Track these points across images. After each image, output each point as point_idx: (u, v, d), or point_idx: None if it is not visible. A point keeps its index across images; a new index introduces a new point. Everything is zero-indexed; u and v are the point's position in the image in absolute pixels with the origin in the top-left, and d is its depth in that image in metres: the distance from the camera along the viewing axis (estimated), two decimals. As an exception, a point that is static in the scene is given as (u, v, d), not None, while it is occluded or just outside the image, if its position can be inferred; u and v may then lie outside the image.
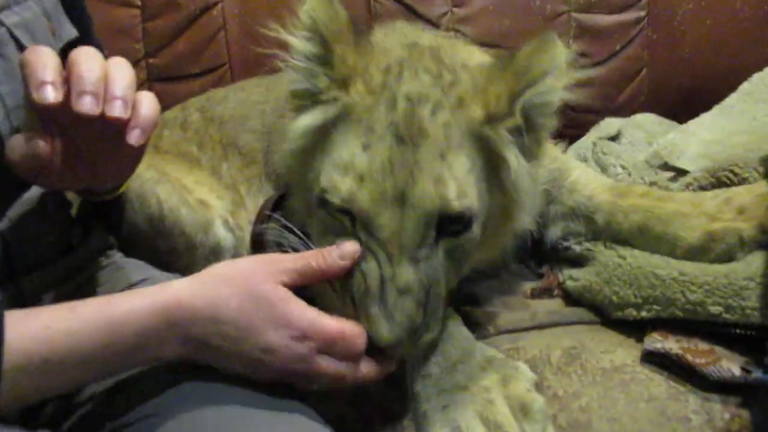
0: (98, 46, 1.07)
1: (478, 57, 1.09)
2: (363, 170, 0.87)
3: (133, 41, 1.69)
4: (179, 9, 1.68)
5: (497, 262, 1.21)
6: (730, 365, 0.96)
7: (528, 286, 1.26)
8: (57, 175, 0.81)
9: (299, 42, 0.93)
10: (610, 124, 1.58)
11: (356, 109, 0.91)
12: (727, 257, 1.06)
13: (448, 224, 0.89)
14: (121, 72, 0.78)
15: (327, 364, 0.81)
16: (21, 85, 0.82)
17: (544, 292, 1.24)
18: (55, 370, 0.72)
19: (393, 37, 1.08)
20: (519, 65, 0.90)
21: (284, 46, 0.95)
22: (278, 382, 0.82)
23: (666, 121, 1.68)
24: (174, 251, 1.25)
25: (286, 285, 0.81)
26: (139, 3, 1.68)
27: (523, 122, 0.92)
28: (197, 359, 0.80)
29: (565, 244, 1.26)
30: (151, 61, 1.71)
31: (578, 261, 1.23)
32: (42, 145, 0.77)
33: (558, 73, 0.92)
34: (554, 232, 1.27)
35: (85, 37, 1.05)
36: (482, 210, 0.93)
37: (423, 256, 0.87)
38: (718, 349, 1.00)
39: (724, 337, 1.01)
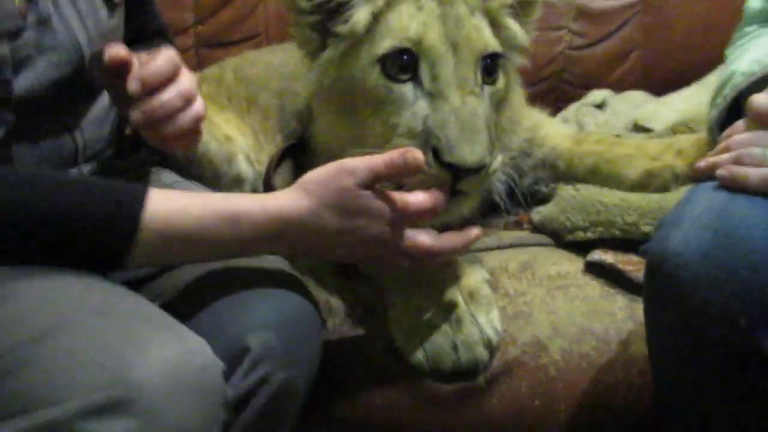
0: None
1: None
2: (424, 20, 1.05)
3: (183, 10, 1.96)
4: (225, -16, 1.94)
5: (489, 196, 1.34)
6: (654, 273, 1.14)
7: (503, 221, 1.46)
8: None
9: None
10: (595, 94, 1.76)
11: None
12: (664, 190, 1.24)
13: (488, 67, 1.07)
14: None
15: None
16: (101, 18, 1.08)
17: (515, 225, 1.43)
18: (186, 246, 0.91)
19: None
20: None
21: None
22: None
23: (653, 98, 1.85)
24: (202, 177, 1.46)
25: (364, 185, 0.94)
26: (192, -22, 1.95)
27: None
28: (302, 255, 1.00)
29: (535, 187, 1.45)
30: (198, 28, 1.98)
31: (545, 200, 1.41)
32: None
33: None
34: (526, 181, 1.46)
35: None
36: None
37: (478, 94, 1.04)
38: (648, 261, 1.17)
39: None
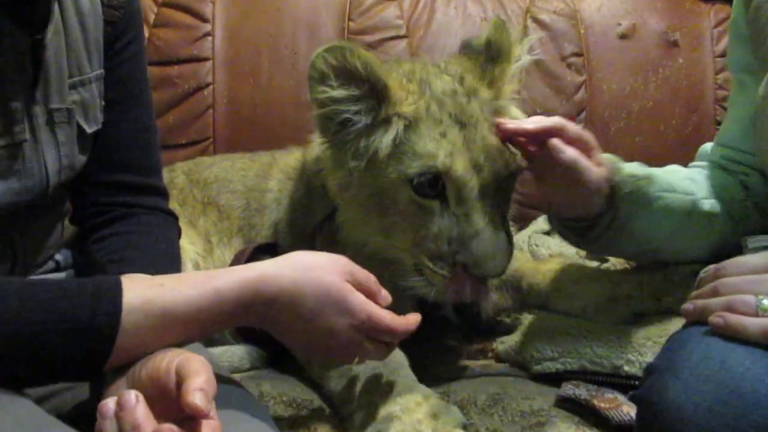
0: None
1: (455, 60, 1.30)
2: (450, 149, 1.12)
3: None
4: (175, 86, 1.88)
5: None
6: (629, 411, 1.10)
7: (466, 349, 1.40)
8: None
9: (344, 91, 1.12)
10: (544, 220, 1.78)
11: (419, 114, 1.15)
12: (628, 319, 1.23)
13: (506, 181, 1.17)
14: None
15: (373, 347, 0.96)
16: (75, 151, 1.03)
17: (480, 353, 1.38)
18: (169, 322, 0.82)
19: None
20: (493, 51, 1.21)
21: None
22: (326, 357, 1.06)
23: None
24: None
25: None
26: (139, 77, 1.89)
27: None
28: (267, 329, 0.93)
29: (498, 319, 1.42)
30: (141, 129, 1.89)
31: (508, 332, 1.38)
32: None
33: (517, 46, 1.24)
34: (489, 307, 1.43)
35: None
36: None
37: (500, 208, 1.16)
38: (621, 398, 1.14)
39: (628, 389, 1.15)
